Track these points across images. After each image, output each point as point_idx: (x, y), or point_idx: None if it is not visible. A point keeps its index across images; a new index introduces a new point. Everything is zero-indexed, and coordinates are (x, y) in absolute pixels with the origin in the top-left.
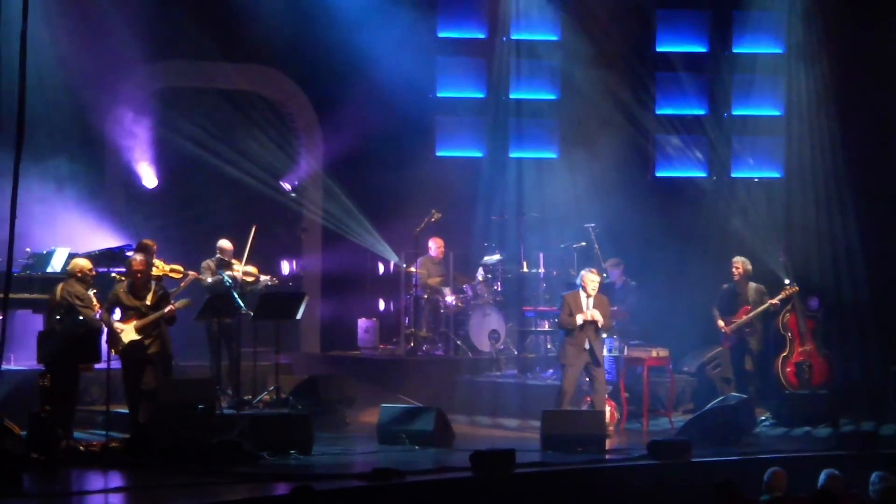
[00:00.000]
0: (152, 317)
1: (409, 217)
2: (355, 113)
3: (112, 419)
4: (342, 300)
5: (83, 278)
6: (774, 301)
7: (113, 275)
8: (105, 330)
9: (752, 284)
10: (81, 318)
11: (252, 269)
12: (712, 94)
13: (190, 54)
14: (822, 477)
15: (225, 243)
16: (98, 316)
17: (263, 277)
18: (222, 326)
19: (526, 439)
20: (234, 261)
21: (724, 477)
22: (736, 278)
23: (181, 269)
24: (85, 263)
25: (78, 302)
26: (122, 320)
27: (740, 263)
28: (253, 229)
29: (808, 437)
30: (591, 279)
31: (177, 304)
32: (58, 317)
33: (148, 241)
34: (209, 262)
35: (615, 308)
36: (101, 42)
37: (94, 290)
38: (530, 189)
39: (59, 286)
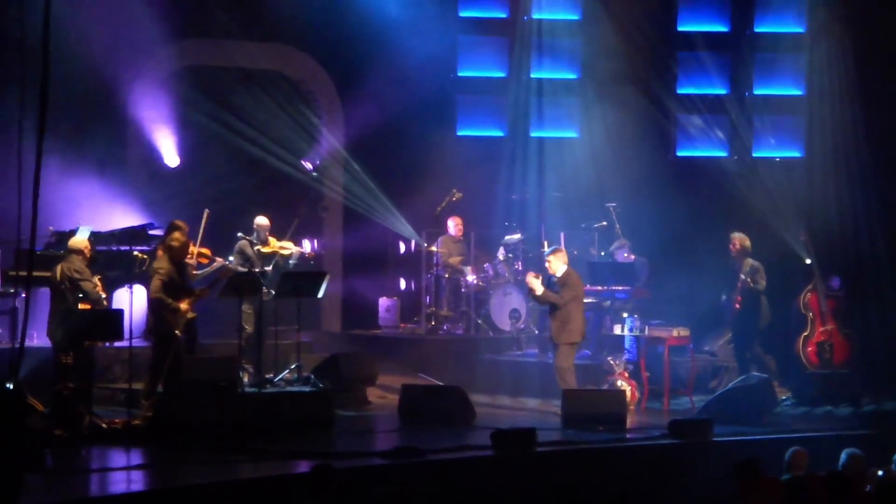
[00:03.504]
0: (198, 296)
1: (430, 196)
2: (376, 92)
3: (134, 396)
4: (363, 279)
5: (84, 254)
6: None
7: (135, 253)
8: (156, 307)
9: (749, 260)
10: (81, 294)
11: (288, 243)
12: (734, 73)
13: (212, 33)
14: (843, 456)
15: (262, 220)
16: (122, 288)
17: (297, 249)
18: (255, 304)
19: (547, 418)
20: (270, 238)
21: (745, 456)
22: (733, 254)
23: (209, 253)
24: (84, 241)
25: (77, 275)
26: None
27: (737, 239)
28: (295, 221)
29: (829, 416)
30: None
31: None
32: (74, 297)
33: (180, 223)
34: (243, 242)
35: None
36: (123, 20)
37: (99, 276)
38: (551, 168)
39: (59, 267)
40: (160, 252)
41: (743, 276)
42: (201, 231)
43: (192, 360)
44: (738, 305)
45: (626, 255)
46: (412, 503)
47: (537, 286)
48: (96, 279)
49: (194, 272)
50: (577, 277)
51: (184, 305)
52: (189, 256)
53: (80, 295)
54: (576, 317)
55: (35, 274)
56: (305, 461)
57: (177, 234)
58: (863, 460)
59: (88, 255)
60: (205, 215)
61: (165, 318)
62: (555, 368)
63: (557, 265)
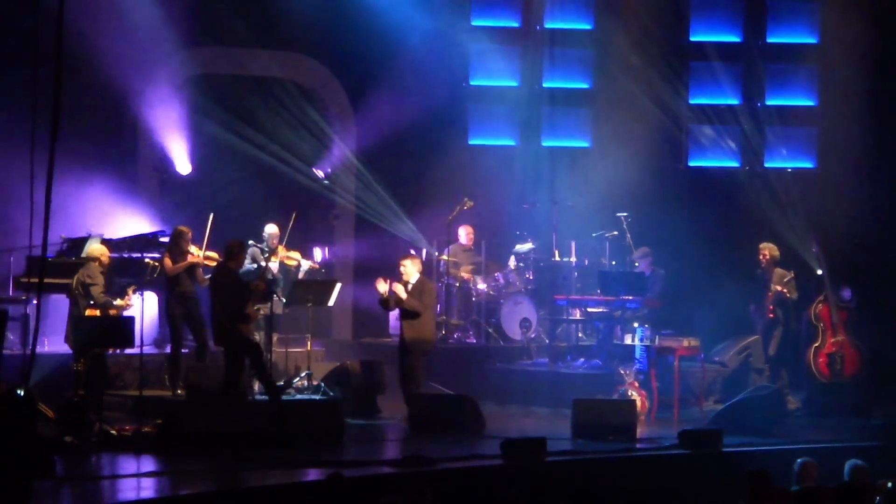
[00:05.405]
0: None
1: (442, 205)
2: (389, 100)
3: (144, 403)
4: (374, 287)
5: (100, 262)
6: (778, 289)
7: (146, 260)
8: (230, 318)
9: (778, 270)
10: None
11: (295, 254)
12: (746, 83)
13: (224, 41)
14: (846, 468)
15: (271, 228)
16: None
17: (305, 262)
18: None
19: (557, 427)
20: (280, 247)
21: (755, 467)
22: (763, 264)
23: (216, 256)
24: (102, 249)
25: (88, 280)
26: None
27: (767, 250)
28: (293, 216)
29: (839, 427)
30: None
31: None
32: (91, 302)
33: (183, 228)
34: (255, 249)
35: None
36: (136, 29)
37: (133, 286)
38: (563, 178)
39: (76, 275)
40: (209, 261)
41: (779, 288)
42: (207, 235)
43: (201, 368)
44: (771, 315)
45: (648, 265)
46: None
47: (402, 291)
48: (130, 290)
49: (206, 277)
50: (432, 286)
51: (250, 310)
52: (196, 257)
53: (91, 301)
54: (430, 324)
55: (49, 281)
56: (315, 469)
57: (234, 243)
58: (867, 472)
59: (106, 263)
60: (210, 219)
61: (240, 329)
62: (415, 374)
63: (412, 271)
